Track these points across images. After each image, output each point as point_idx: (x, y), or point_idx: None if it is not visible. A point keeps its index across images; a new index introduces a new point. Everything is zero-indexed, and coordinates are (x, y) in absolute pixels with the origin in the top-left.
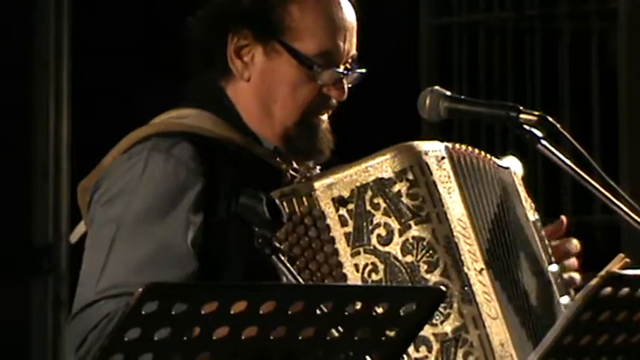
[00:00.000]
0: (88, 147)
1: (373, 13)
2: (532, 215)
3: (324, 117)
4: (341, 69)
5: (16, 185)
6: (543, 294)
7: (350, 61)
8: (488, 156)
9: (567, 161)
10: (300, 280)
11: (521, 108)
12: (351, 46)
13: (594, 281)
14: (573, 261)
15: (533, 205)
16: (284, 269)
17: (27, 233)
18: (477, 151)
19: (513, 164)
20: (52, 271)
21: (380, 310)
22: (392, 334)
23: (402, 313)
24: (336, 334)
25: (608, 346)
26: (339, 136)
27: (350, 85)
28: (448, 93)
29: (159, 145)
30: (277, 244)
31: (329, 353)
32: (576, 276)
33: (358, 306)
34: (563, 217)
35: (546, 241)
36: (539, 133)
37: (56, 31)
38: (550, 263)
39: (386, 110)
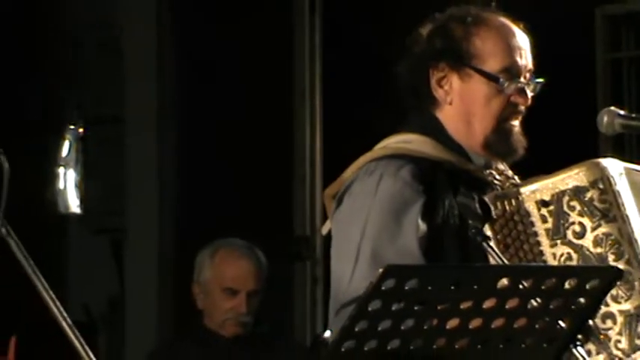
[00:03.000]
0: (336, 158)
1: (558, 52)
2: None
3: (516, 122)
4: (522, 80)
5: (281, 189)
6: None
7: (528, 75)
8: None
9: None
10: (505, 261)
11: None
12: (527, 62)
13: None
14: None
15: None
16: (492, 253)
17: (290, 227)
18: None
19: None
20: (309, 257)
21: (570, 285)
22: (580, 303)
23: (587, 287)
24: (535, 304)
25: None
26: (537, 152)
27: (533, 94)
28: (622, 112)
29: (389, 167)
30: (486, 234)
31: (530, 320)
32: None
33: (553, 281)
34: None
35: None
36: None
37: (310, 65)
38: None
39: (571, 130)
